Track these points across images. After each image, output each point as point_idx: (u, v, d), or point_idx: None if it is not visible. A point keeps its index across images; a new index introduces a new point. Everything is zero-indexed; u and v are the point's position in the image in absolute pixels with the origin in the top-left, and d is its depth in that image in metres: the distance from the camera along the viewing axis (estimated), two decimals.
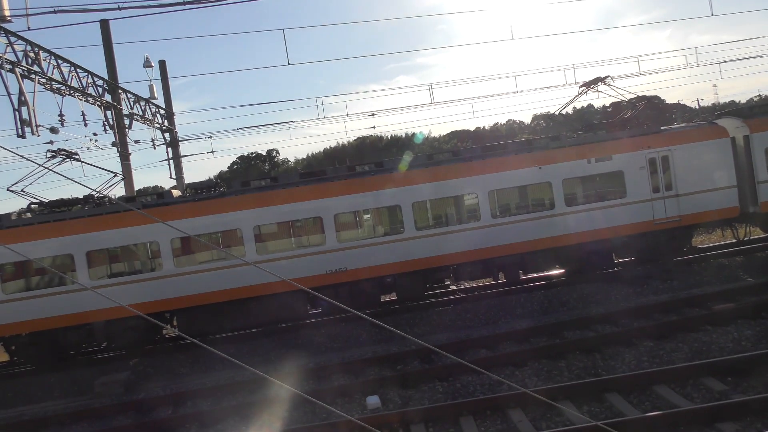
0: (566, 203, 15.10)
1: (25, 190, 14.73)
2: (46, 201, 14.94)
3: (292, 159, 78.16)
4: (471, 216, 15.07)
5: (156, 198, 15.15)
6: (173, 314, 14.73)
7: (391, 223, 15.08)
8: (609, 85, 16.55)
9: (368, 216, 15.26)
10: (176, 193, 15.87)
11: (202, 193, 15.05)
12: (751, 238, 17.24)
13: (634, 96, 17.17)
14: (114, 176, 15.58)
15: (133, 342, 14.35)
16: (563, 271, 16.34)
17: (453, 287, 17.27)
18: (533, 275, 16.58)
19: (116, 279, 14.30)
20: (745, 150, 15.83)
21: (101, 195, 14.42)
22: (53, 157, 14.91)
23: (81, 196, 15.20)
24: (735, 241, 17.30)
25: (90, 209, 14.62)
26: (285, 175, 16.04)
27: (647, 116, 17.72)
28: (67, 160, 15.13)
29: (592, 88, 16.90)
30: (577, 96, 17.54)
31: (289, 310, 14.45)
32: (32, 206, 14.87)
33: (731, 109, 19.60)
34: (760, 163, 15.62)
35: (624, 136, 15.67)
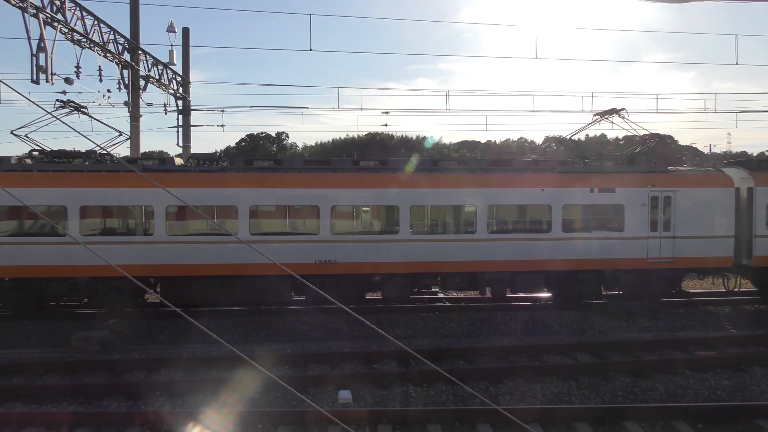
0: (563, 228, 15.08)
1: (29, 135, 14.68)
2: (48, 150, 14.85)
3: (300, 144, 78.22)
4: (467, 227, 15.06)
5: (158, 163, 15.11)
6: (158, 281, 14.72)
7: (387, 223, 15.05)
8: (623, 117, 16.56)
9: (365, 212, 15.24)
10: (178, 161, 15.83)
11: (204, 165, 15.03)
12: (740, 289, 17.28)
13: (647, 132, 17.18)
14: (119, 135, 15.51)
15: (115, 302, 14.30)
16: (550, 295, 16.34)
17: (440, 295, 17.29)
18: (519, 295, 16.51)
19: (106, 237, 14.25)
20: (747, 202, 15.84)
21: (105, 152, 14.40)
22: (62, 107, 14.86)
23: (83, 150, 15.14)
24: (724, 290, 17.32)
25: (90, 164, 14.57)
26: (289, 160, 15.98)
27: (659, 155, 17.75)
28: (75, 112, 15.05)
29: (606, 118, 16.91)
30: (590, 124, 17.55)
31: (274, 293, 14.44)
32: (33, 153, 14.81)
33: (739, 160, 19.61)
34: (760, 218, 15.64)
35: (630, 170, 15.68)
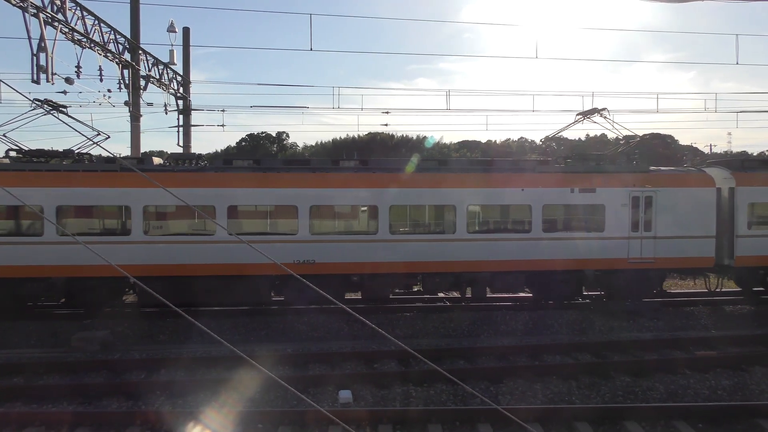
0: (543, 228, 15.03)
1: (6, 135, 14.54)
2: (26, 149, 14.70)
3: (301, 144, 78.28)
4: (447, 228, 14.97)
5: (135, 163, 14.96)
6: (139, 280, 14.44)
7: (366, 223, 14.97)
8: (605, 117, 16.57)
9: (345, 212, 15.12)
10: (157, 160, 15.74)
11: (183, 165, 14.96)
12: (722, 290, 17.26)
13: (630, 132, 17.21)
14: (97, 134, 15.22)
15: (93, 302, 14.24)
16: (530, 295, 16.26)
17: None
18: (501, 295, 16.44)
19: (83, 238, 13.91)
20: (728, 202, 15.80)
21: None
22: (39, 107, 14.64)
23: (61, 150, 14.98)
24: (711, 290, 17.28)
25: (68, 164, 14.46)
26: (268, 159, 15.75)
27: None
28: (53, 111, 14.85)
29: (588, 117, 16.93)
30: (572, 123, 17.59)
31: (254, 294, 14.40)
32: (9, 153, 14.66)
33: (722, 160, 19.57)
34: (741, 218, 15.60)
35: (611, 170, 15.60)
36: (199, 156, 15.56)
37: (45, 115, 14.69)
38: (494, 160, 16.37)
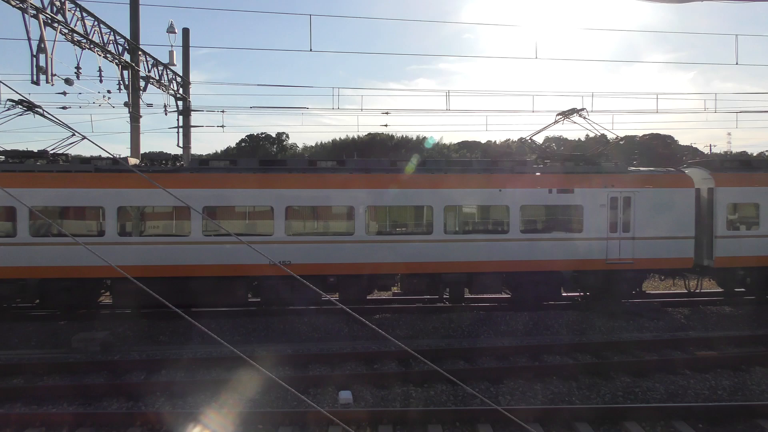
0: (522, 229, 15.01)
1: None
2: (1, 150, 14.67)
3: (300, 145, 78.30)
4: (423, 228, 14.95)
5: (110, 163, 14.81)
6: (113, 282, 14.38)
7: (343, 224, 14.90)
8: (584, 117, 16.60)
9: (321, 213, 15.07)
10: (133, 161, 15.73)
11: (159, 166, 14.89)
12: (701, 290, 17.23)
13: (612, 132, 17.27)
14: (72, 135, 14.99)
15: (67, 304, 14.22)
16: (509, 296, 16.22)
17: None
18: (479, 296, 16.36)
19: (57, 239, 13.88)
20: (707, 203, 15.80)
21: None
22: (13, 107, 14.57)
23: (36, 150, 14.93)
24: (691, 291, 17.27)
25: (42, 165, 14.42)
26: (245, 160, 15.59)
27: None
28: (29, 112, 14.75)
29: (568, 117, 16.96)
30: (552, 123, 17.63)
31: (230, 295, 14.37)
32: None
33: (702, 160, 19.59)
34: (721, 218, 15.59)
35: (589, 171, 15.60)
36: (176, 157, 15.57)
37: (21, 115, 14.70)
38: (472, 161, 16.39)
